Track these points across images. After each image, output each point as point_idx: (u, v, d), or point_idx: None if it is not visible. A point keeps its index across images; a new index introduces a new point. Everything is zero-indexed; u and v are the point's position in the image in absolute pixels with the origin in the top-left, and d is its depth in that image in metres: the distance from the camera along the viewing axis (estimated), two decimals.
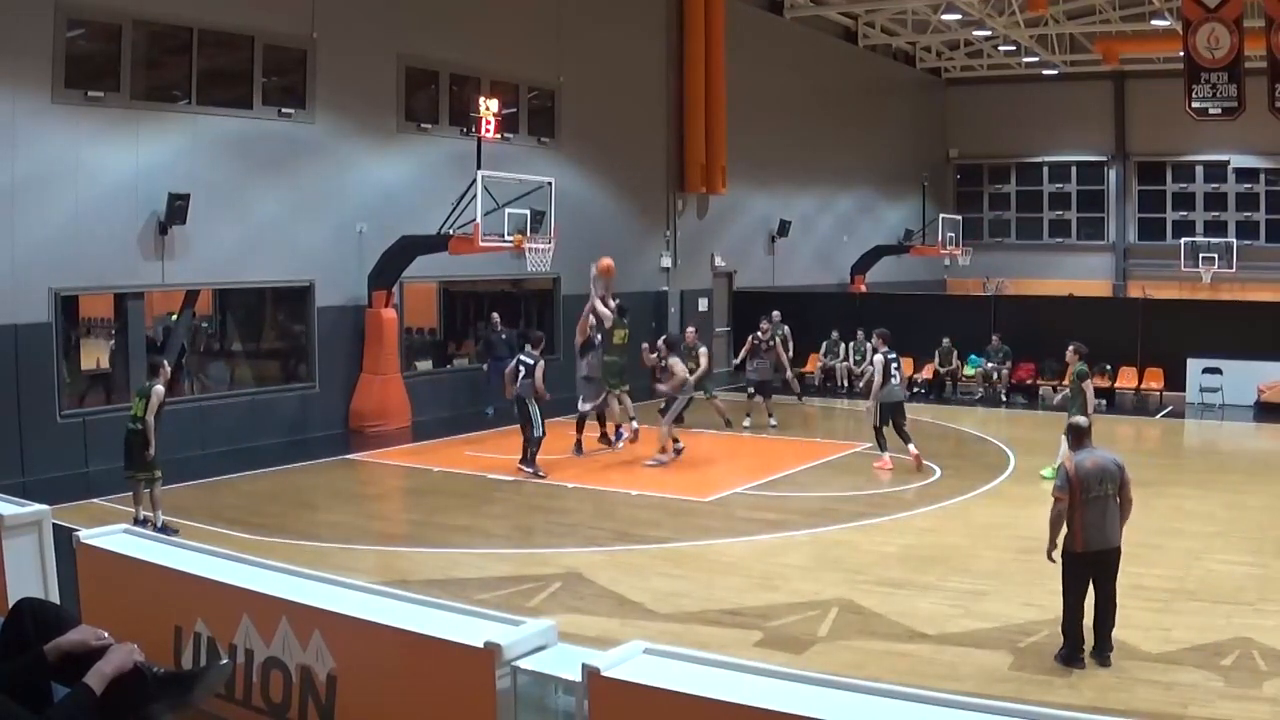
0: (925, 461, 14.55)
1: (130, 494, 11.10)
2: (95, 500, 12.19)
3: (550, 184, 17.50)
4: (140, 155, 14.65)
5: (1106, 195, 36.16)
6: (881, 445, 14.60)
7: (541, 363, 13.92)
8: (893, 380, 14.58)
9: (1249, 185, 34.12)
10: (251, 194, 16.06)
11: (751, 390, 18.27)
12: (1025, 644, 7.83)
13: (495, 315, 19.20)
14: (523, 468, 13.90)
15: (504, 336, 18.71)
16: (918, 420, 19.08)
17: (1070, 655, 7.46)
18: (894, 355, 14.71)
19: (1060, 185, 36.70)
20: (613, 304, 15.59)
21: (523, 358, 13.99)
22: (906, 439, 14.57)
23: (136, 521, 10.41)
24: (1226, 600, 8.82)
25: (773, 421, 17.72)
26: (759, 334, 18.34)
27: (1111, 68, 32.77)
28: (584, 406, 15.49)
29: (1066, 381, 14.05)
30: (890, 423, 14.56)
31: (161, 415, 10.95)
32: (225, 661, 4.99)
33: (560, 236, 17.72)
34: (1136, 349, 21.13)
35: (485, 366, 18.73)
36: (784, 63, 27.30)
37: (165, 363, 11.54)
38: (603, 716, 4.21)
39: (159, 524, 10.67)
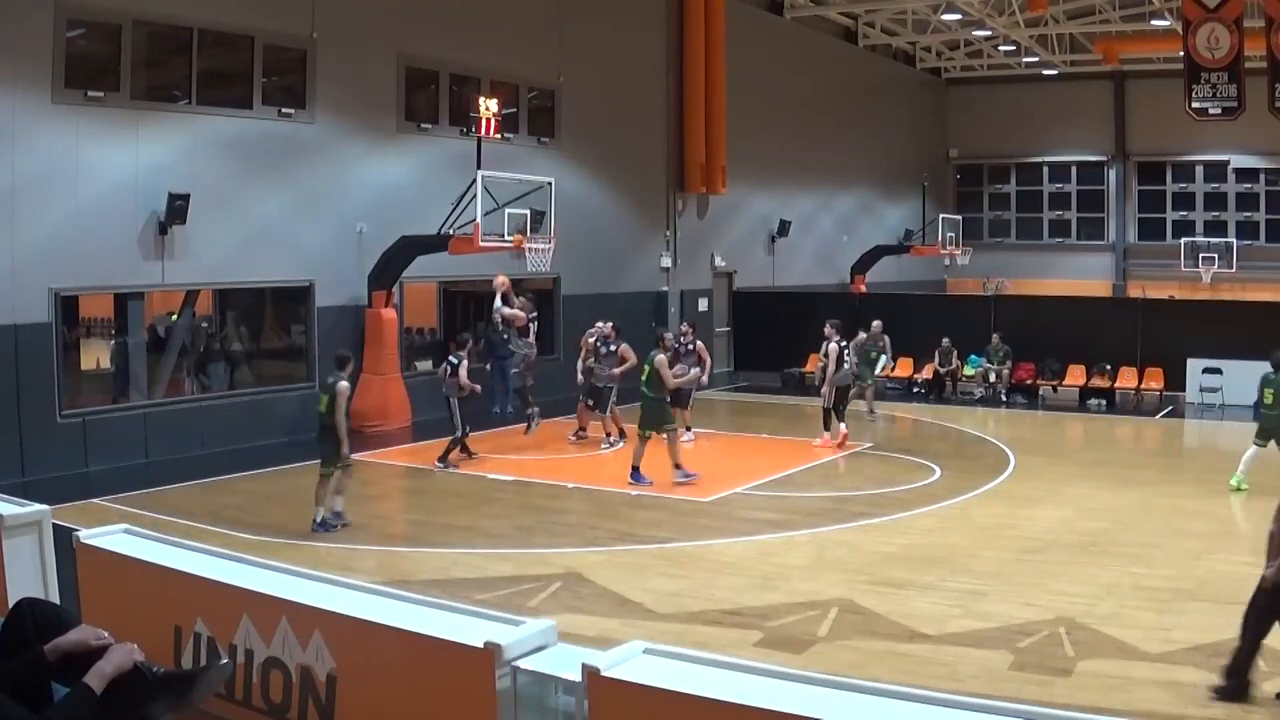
0: (925, 461, 14.67)
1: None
2: (95, 500, 12.19)
3: (550, 184, 17.51)
4: (140, 155, 14.65)
5: (1106, 195, 36.15)
6: (827, 425, 16.12)
7: (465, 362, 14.24)
8: (844, 365, 16.21)
9: (1249, 185, 34.12)
10: (251, 194, 16.06)
11: (591, 401, 16.30)
12: (1025, 644, 7.83)
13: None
14: (436, 464, 14.31)
15: (505, 337, 18.61)
16: (918, 420, 19.20)
17: (1239, 690, 6.77)
18: (846, 344, 16.60)
19: (1060, 185, 36.70)
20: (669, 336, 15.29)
21: (450, 358, 14.44)
22: (841, 419, 16.02)
23: (333, 514, 11.16)
24: (1226, 600, 8.79)
25: (608, 442, 15.92)
26: (591, 336, 16.52)
27: (1111, 68, 32.77)
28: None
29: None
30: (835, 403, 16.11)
31: (349, 409, 11.31)
32: (225, 661, 4.98)
33: (560, 236, 17.72)
34: (1136, 349, 21.13)
35: (488, 366, 18.68)
36: (784, 63, 27.30)
37: (350, 358, 11.81)
38: (603, 716, 4.21)
39: (336, 510, 11.21)
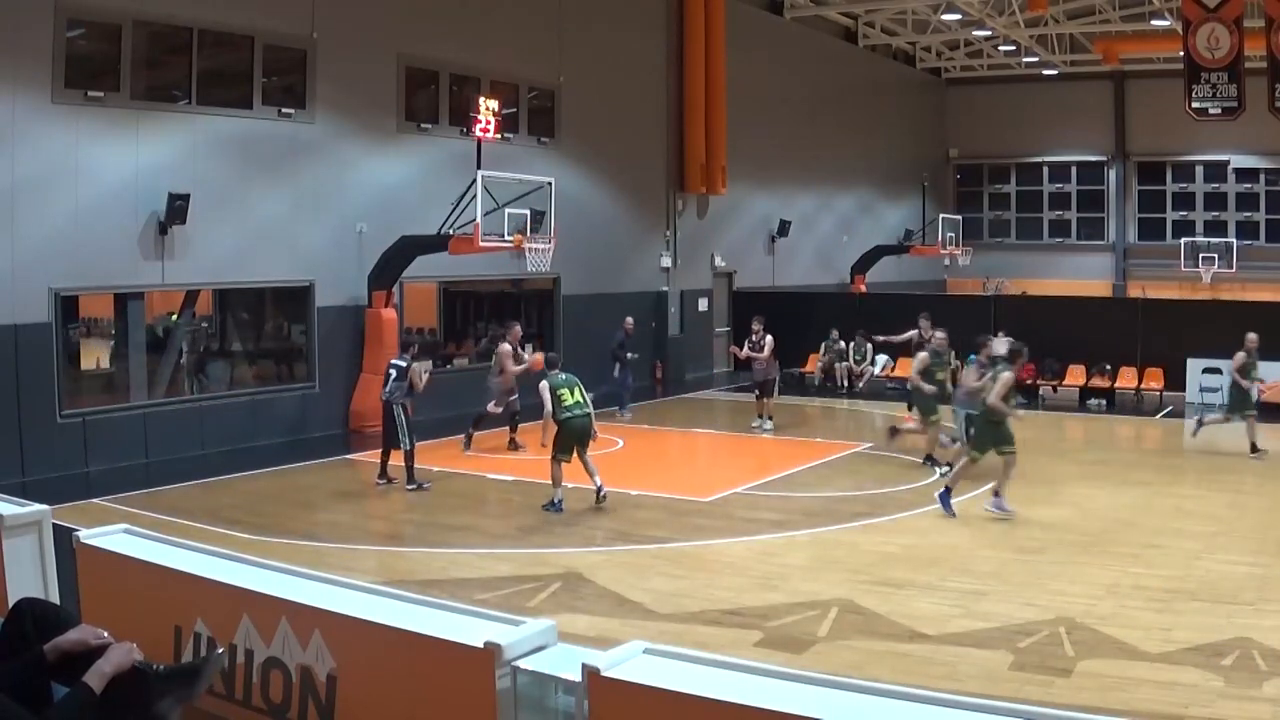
0: (925, 462, 14.70)
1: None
2: (95, 500, 12.19)
3: (550, 184, 17.51)
4: (140, 155, 14.65)
5: (1106, 195, 36.17)
6: (911, 406, 16.58)
7: (416, 365, 13.20)
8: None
9: (1249, 185, 34.14)
10: (251, 194, 16.06)
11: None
12: (1025, 644, 7.82)
13: (629, 320, 19.30)
14: (408, 488, 13.03)
15: (626, 350, 18.87)
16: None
17: None
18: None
19: (1060, 185, 36.71)
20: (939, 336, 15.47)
21: (395, 361, 13.42)
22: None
23: None
24: (1226, 600, 8.81)
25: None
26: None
27: (1111, 68, 32.79)
28: (492, 408, 15.58)
29: None
30: None
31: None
32: (220, 651, 5.00)
33: (560, 236, 17.72)
34: (1136, 349, 21.13)
35: (615, 371, 18.88)
36: (784, 63, 27.31)
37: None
38: (603, 716, 4.21)
39: (600, 490, 12.09)
